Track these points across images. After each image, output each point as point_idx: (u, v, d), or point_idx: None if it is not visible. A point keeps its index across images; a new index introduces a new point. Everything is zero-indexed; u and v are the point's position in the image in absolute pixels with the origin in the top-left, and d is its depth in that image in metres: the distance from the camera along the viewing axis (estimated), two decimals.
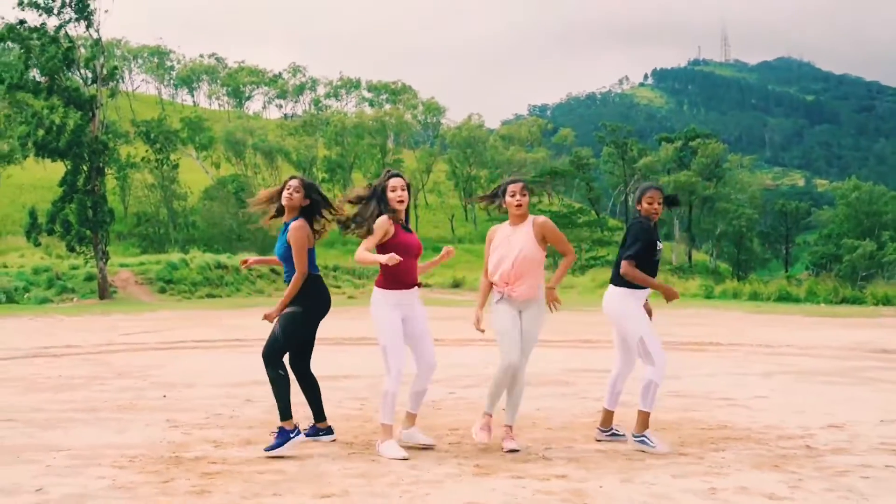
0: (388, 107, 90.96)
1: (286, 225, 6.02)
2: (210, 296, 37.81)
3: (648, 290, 6.21)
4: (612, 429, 6.32)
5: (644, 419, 5.96)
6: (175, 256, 43.03)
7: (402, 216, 5.95)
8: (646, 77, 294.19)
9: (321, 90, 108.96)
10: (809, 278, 48.26)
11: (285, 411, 5.81)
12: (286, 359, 6.09)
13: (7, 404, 7.91)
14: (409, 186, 5.98)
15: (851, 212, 63.82)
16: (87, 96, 34.61)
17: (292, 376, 6.08)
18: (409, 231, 6.03)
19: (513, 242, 5.97)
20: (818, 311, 27.41)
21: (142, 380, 9.77)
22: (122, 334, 17.16)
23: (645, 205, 6.19)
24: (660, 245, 6.22)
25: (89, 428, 6.71)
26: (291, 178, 6.15)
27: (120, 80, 65.38)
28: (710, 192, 70.67)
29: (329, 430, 6.29)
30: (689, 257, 73.46)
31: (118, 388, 9.02)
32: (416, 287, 6.00)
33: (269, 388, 5.95)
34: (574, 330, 18.33)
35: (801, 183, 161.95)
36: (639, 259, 6.05)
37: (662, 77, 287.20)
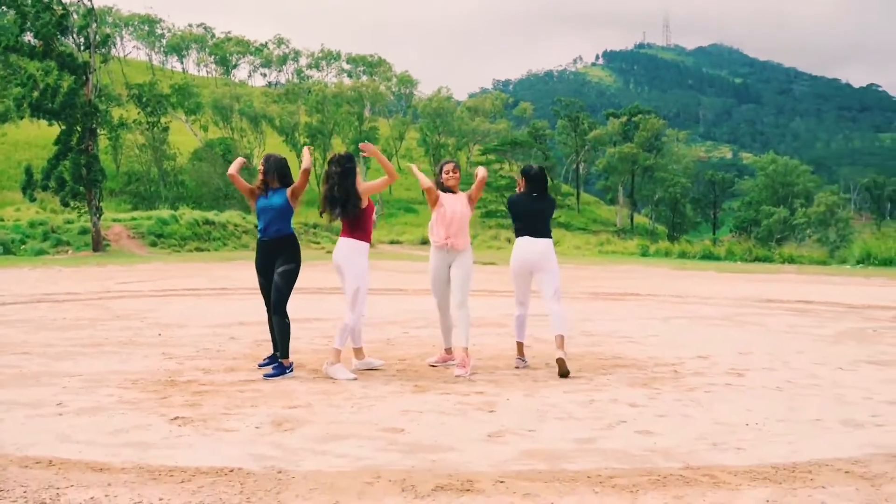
0: (364, 78, 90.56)
1: (279, 190, 6.81)
2: (198, 249, 38.14)
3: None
4: (523, 358, 7.15)
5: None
6: (165, 213, 43.16)
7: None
8: (597, 58, 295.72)
9: (303, 61, 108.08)
10: (732, 240, 49.64)
11: (286, 350, 6.59)
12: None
13: (21, 340, 8.52)
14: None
15: (769, 182, 65.57)
16: (81, 61, 34.37)
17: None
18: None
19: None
20: (733, 268, 28.52)
21: (139, 321, 10.39)
22: (118, 283, 17.66)
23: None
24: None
25: (96, 359, 7.36)
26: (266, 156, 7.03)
27: (112, 47, 64.54)
28: (650, 163, 71.95)
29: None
30: (631, 220, 74.83)
31: (118, 328, 9.63)
32: None
33: (249, 328, 6.71)
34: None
35: (729, 156, 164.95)
36: None
37: (612, 58, 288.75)
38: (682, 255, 38.41)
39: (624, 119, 76.16)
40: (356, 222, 6.61)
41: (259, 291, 7.03)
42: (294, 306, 7.17)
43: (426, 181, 6.86)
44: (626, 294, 15.87)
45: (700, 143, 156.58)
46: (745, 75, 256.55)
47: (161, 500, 3.52)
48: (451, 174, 7.11)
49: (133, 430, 4.72)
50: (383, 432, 4.71)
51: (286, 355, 6.60)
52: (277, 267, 6.62)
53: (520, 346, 7.18)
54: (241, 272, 21.42)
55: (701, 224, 76.08)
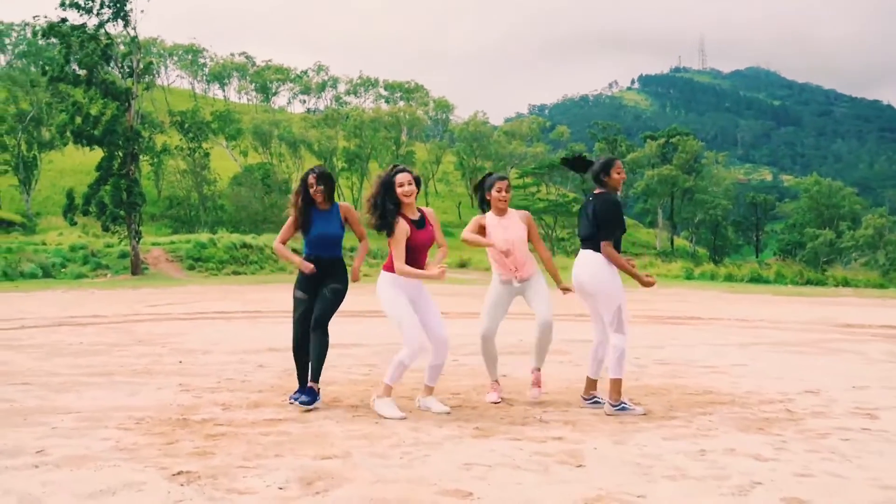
0: (402, 104, 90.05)
1: (332, 210, 5.80)
2: (235, 273, 37.44)
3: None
4: (594, 396, 5.88)
5: (617, 387, 5.52)
6: (204, 236, 42.61)
7: (413, 210, 5.55)
8: (633, 82, 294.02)
9: (342, 87, 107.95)
10: (778, 262, 48.06)
11: (319, 373, 5.68)
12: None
13: (25, 368, 7.50)
14: (417, 179, 5.55)
15: (813, 204, 63.88)
16: (123, 88, 34.20)
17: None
18: (423, 226, 5.55)
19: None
20: (786, 290, 27.05)
21: (161, 346, 9.34)
22: (148, 306, 16.74)
23: (615, 175, 5.66)
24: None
25: (102, 391, 6.30)
26: (312, 171, 5.82)
27: (155, 75, 64.85)
28: (689, 185, 70.33)
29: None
30: (672, 243, 73.18)
31: (137, 354, 8.60)
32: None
33: (280, 354, 5.69)
34: (567, 305, 17.98)
35: (769, 178, 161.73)
36: (616, 239, 5.59)
37: (647, 82, 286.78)
38: (729, 277, 37.01)
39: (662, 141, 74.64)
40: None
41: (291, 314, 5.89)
42: (333, 329, 6.02)
43: (477, 239, 5.86)
44: (687, 318, 14.57)
45: (739, 165, 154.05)
46: (783, 98, 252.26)
47: None
48: (502, 194, 5.86)
49: (120, 492, 3.59)
50: (445, 497, 3.53)
51: (317, 379, 5.62)
52: (329, 284, 5.72)
53: (589, 382, 5.92)
54: (277, 294, 20.44)
55: (743, 247, 74.13)
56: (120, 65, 35.56)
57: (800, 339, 10.66)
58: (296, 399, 5.72)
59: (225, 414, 5.41)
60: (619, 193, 5.78)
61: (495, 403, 5.88)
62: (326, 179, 5.72)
